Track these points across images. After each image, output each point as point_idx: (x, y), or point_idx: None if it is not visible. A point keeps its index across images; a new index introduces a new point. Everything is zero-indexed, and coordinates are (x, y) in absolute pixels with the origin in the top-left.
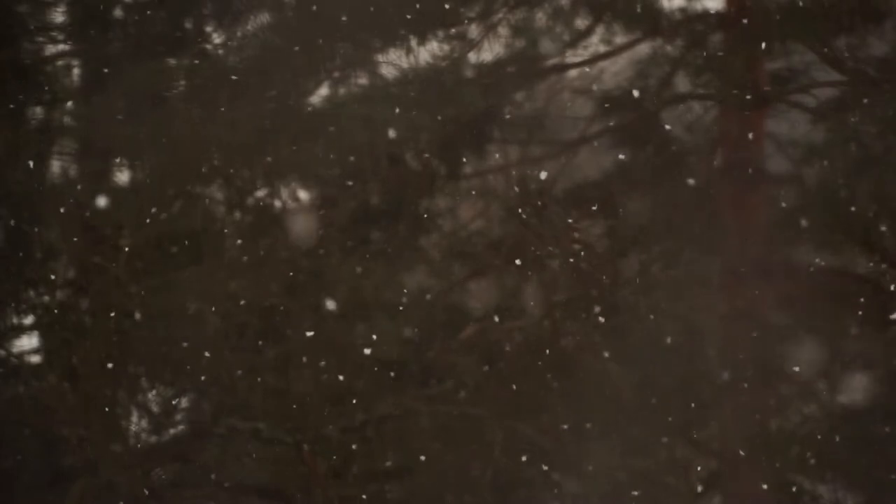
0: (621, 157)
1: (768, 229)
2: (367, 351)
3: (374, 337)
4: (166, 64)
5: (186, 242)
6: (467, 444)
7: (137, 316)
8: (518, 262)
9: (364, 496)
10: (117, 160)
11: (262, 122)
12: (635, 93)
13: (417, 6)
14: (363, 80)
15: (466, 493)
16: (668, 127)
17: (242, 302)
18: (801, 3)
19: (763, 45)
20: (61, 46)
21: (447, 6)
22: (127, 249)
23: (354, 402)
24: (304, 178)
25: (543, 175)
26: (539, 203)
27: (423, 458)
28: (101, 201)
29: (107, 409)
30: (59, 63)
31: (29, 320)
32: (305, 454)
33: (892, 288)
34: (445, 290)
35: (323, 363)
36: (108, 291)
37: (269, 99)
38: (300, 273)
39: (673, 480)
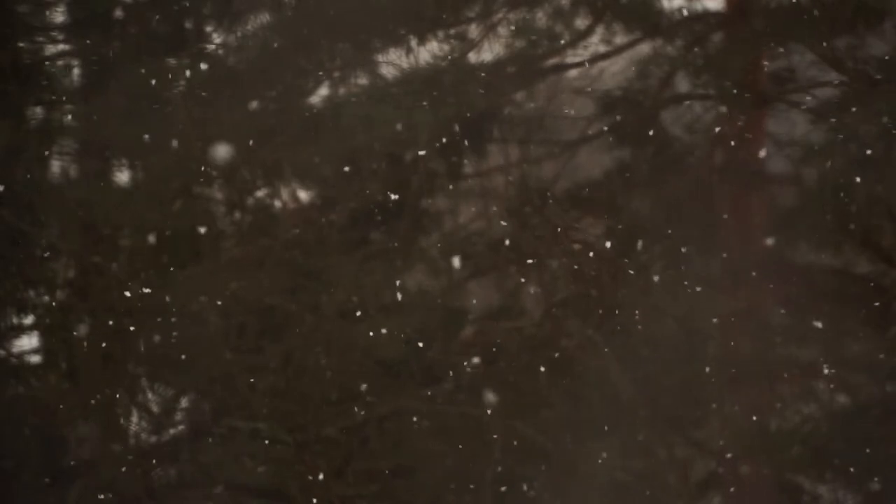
0: (621, 157)
1: (768, 229)
2: (368, 351)
3: (374, 337)
4: (166, 64)
5: (186, 242)
6: (467, 444)
7: (137, 316)
8: (518, 262)
9: (364, 496)
10: (117, 160)
11: (262, 122)
12: (635, 93)
13: (417, 6)
14: (363, 80)
15: (466, 493)
16: (667, 127)
17: (243, 302)
18: (801, 3)
19: (763, 45)
20: (61, 46)
21: (447, 6)
22: (127, 249)
23: (354, 402)
24: (304, 178)
25: (543, 175)
26: (539, 203)
27: (423, 458)
28: (101, 201)
29: (107, 409)
30: (59, 63)
31: (29, 320)
32: (305, 454)
33: (892, 288)
34: (445, 290)
35: (323, 363)
36: (108, 291)
37: (269, 99)
38: (300, 273)
39: (673, 480)
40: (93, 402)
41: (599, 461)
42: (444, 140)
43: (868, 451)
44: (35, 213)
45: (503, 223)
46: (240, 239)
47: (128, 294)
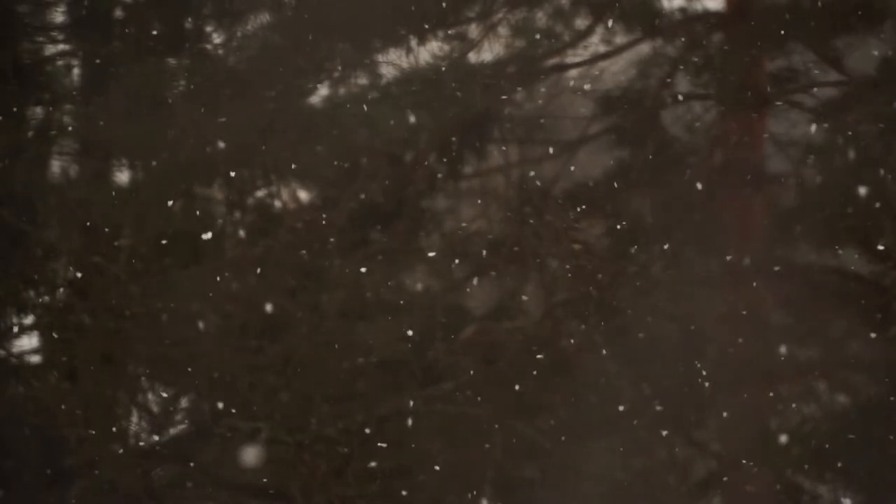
0: (621, 157)
1: (768, 229)
2: (368, 351)
3: (374, 337)
4: (166, 64)
5: (186, 242)
6: (467, 444)
7: (137, 316)
8: (518, 262)
9: (364, 496)
10: (117, 160)
11: (262, 122)
12: (635, 93)
13: (417, 6)
14: (363, 80)
15: (466, 493)
16: (667, 127)
17: (242, 301)
18: (801, 3)
19: (763, 45)
20: (61, 46)
21: (447, 6)
22: (127, 249)
23: (354, 402)
24: (304, 178)
25: (543, 175)
26: (539, 203)
27: (423, 458)
28: (101, 201)
29: (107, 409)
30: (59, 63)
31: (29, 320)
32: (305, 454)
33: (892, 288)
34: (445, 290)
35: (323, 363)
36: (108, 291)
37: (269, 99)
38: (300, 273)
39: (673, 480)
40: (93, 402)
41: (599, 461)
42: (444, 140)
43: (868, 451)
44: (35, 213)
45: (503, 223)
46: (240, 239)
47: (128, 294)
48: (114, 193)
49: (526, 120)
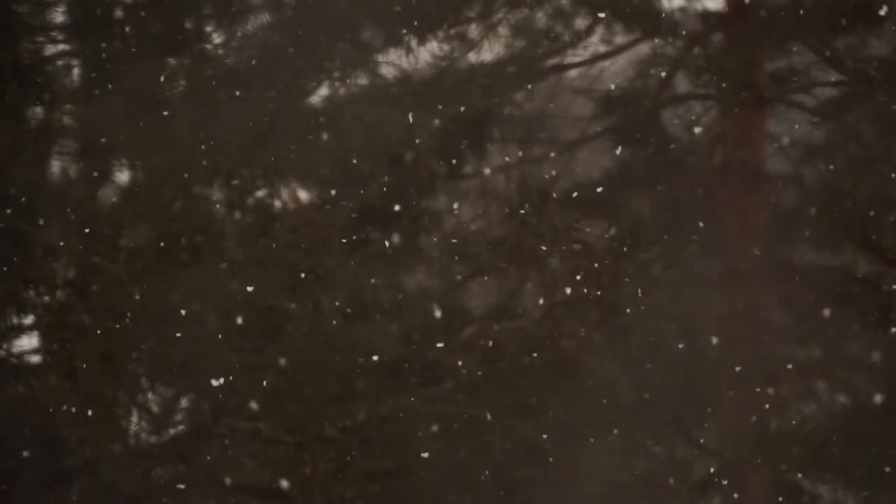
0: (621, 157)
1: (768, 229)
2: (368, 351)
3: (374, 337)
4: (166, 64)
5: (186, 242)
6: (467, 444)
7: (137, 316)
8: (518, 262)
9: (364, 496)
10: (117, 160)
11: (262, 122)
12: (635, 93)
13: (417, 6)
14: (363, 80)
15: (466, 493)
16: (667, 127)
17: (242, 301)
18: (801, 3)
19: (763, 45)
20: (61, 46)
21: (447, 6)
22: (127, 249)
23: (354, 402)
24: (304, 178)
25: (543, 175)
26: (539, 203)
27: (423, 458)
28: (101, 201)
29: (107, 409)
30: (59, 63)
31: (29, 320)
32: (305, 454)
33: (892, 288)
34: (446, 290)
35: (323, 363)
36: (108, 291)
37: (269, 99)
38: (300, 273)
39: (673, 480)
40: (93, 402)
41: (599, 461)
42: (443, 140)
43: (868, 451)
44: (35, 213)
45: (503, 223)
46: (240, 239)
47: (128, 294)
48: (114, 193)
49: (526, 120)
